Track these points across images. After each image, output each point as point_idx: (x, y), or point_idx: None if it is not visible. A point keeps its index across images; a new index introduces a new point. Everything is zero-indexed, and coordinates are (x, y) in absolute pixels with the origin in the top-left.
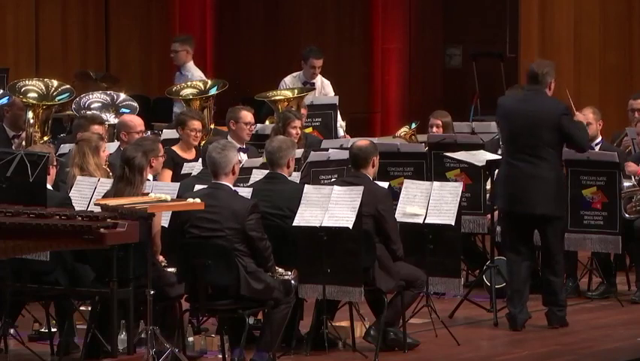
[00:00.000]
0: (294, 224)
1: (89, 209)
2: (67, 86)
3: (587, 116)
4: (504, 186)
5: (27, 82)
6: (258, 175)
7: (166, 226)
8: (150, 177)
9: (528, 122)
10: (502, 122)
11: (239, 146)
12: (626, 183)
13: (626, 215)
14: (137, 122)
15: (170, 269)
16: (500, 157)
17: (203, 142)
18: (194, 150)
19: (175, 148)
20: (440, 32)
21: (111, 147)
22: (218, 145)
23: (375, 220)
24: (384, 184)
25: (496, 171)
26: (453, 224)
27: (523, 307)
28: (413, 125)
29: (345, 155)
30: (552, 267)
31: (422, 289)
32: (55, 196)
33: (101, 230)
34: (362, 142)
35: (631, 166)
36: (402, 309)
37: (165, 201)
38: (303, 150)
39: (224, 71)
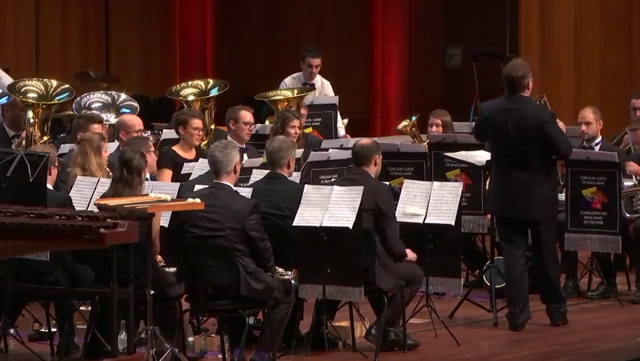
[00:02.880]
0: (294, 224)
1: (89, 209)
2: (67, 85)
3: (587, 116)
4: (497, 192)
5: (27, 82)
6: (258, 175)
7: (166, 225)
8: (149, 176)
9: (514, 133)
10: (488, 131)
11: (240, 146)
12: (627, 183)
13: (627, 214)
14: (135, 121)
15: (170, 269)
16: None
17: (204, 142)
18: (194, 150)
19: (175, 148)
20: (440, 32)
21: (111, 147)
22: (220, 144)
23: (374, 214)
24: (385, 184)
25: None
26: (453, 224)
27: (524, 306)
28: (413, 118)
29: (345, 155)
30: (547, 262)
31: (420, 283)
32: (55, 196)
33: (101, 230)
34: (365, 141)
35: (632, 166)
36: (402, 306)
37: (165, 201)
38: (303, 150)
39: (224, 71)
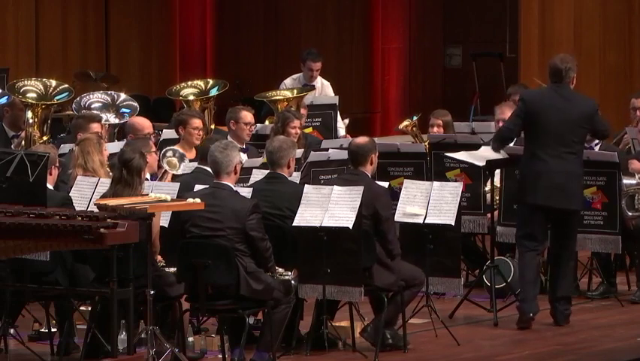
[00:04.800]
0: (294, 224)
1: (89, 209)
2: (66, 85)
3: None
4: (537, 181)
5: (26, 82)
6: (258, 175)
7: (166, 225)
8: (148, 176)
9: (561, 118)
10: (530, 118)
11: (240, 146)
12: (630, 181)
13: (629, 213)
14: (145, 124)
15: (170, 269)
16: (500, 157)
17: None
18: (194, 149)
19: (175, 148)
20: (440, 32)
21: (111, 148)
22: (220, 145)
23: (373, 219)
24: (385, 184)
25: (497, 170)
26: (453, 224)
27: (534, 300)
28: (414, 118)
29: (345, 155)
30: (572, 258)
31: (421, 287)
32: (55, 196)
33: (101, 230)
34: (360, 139)
35: (635, 164)
36: (401, 307)
37: (165, 201)
38: (303, 150)
39: (224, 71)
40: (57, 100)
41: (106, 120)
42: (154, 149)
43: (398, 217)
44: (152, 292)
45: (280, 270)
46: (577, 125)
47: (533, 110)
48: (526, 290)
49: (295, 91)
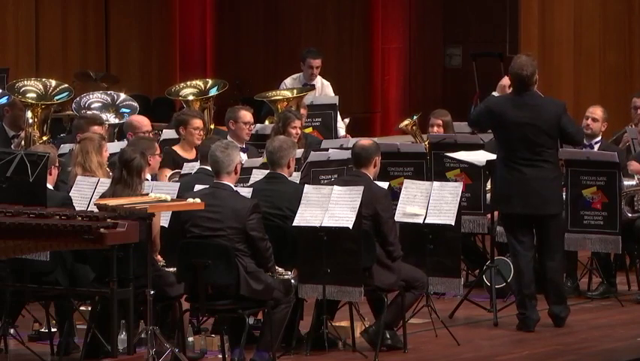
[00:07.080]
0: (294, 224)
1: (89, 209)
2: (66, 85)
3: (597, 113)
4: (510, 191)
5: (25, 82)
6: (258, 175)
7: (166, 225)
8: (149, 176)
9: (529, 129)
10: (499, 129)
11: (239, 146)
12: (629, 182)
13: (628, 214)
14: (143, 122)
15: (170, 269)
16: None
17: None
18: (194, 149)
19: (175, 148)
20: (440, 32)
21: (111, 147)
22: (221, 144)
23: (374, 220)
24: (385, 184)
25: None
26: (453, 224)
27: (534, 307)
28: (414, 117)
29: (345, 155)
30: (556, 264)
31: (423, 290)
32: (55, 196)
33: (101, 230)
34: (365, 141)
35: (634, 165)
36: (402, 311)
37: (165, 201)
38: (303, 150)
39: (224, 71)
40: (57, 100)
41: (106, 120)
42: (158, 151)
43: (398, 217)
44: (152, 292)
45: (280, 270)
46: (545, 134)
47: (501, 120)
48: (525, 304)
49: (295, 91)
